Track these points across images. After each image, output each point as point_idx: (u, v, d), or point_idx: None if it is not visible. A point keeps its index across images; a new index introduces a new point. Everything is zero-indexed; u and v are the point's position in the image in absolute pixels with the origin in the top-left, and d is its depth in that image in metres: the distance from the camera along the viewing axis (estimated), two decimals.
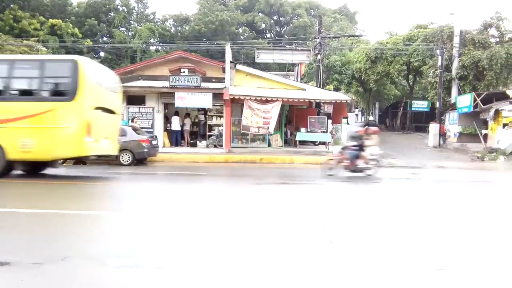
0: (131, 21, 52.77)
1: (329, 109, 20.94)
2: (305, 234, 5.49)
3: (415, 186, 11.13)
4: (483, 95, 20.67)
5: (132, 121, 16.71)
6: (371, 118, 38.66)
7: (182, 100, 17.25)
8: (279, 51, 24.78)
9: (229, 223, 6.11)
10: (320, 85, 22.69)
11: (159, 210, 7.08)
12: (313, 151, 18.31)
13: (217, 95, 17.24)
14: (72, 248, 4.54)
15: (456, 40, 25.20)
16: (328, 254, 4.70)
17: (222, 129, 18.22)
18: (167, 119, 18.95)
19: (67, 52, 37.30)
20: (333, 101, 18.71)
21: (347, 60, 36.66)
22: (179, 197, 8.50)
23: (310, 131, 18.64)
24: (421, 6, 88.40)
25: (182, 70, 18.01)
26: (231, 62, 18.09)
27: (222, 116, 18.32)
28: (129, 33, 50.82)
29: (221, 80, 17.74)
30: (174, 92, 17.24)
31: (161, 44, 48.94)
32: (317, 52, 23.18)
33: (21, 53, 28.00)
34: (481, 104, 20.38)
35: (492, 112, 19.99)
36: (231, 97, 16.90)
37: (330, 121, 20.02)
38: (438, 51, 24.10)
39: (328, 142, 19.08)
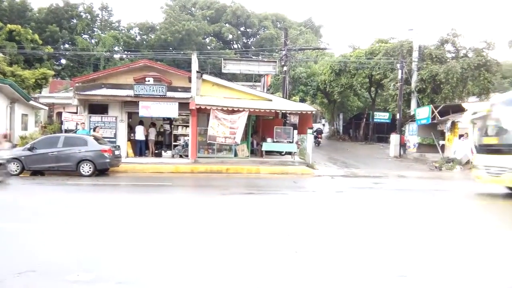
0: (94, 29, 51.53)
1: (295, 119, 21.20)
2: (271, 245, 5.47)
3: (377, 195, 11.41)
4: (440, 108, 21.57)
5: (94, 130, 16.19)
6: (319, 126, 39.00)
7: (147, 109, 16.94)
8: (246, 62, 24.90)
9: (192, 235, 6.00)
10: (286, 96, 22.97)
11: (118, 223, 6.86)
12: (279, 161, 18.43)
13: (183, 105, 17.03)
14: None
15: (415, 54, 26.35)
16: (294, 264, 4.69)
17: (188, 139, 17.98)
18: (131, 129, 18.49)
19: (26, 59, 35.86)
20: (299, 112, 18.96)
21: (312, 72, 37.36)
22: (140, 209, 8.27)
23: (276, 141, 18.74)
24: (383, 21, 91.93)
25: (147, 79, 17.65)
26: (197, 71, 17.96)
27: (188, 126, 18.09)
28: (93, 41, 49.56)
29: (187, 89, 17.55)
30: (138, 101, 16.89)
31: (125, 52, 48.01)
32: (283, 63, 23.49)
33: None
34: (439, 116, 21.27)
35: (449, 123, 20.92)
36: (197, 106, 16.75)
37: (296, 131, 20.21)
38: (398, 65, 25.05)
39: (294, 152, 19.27)
